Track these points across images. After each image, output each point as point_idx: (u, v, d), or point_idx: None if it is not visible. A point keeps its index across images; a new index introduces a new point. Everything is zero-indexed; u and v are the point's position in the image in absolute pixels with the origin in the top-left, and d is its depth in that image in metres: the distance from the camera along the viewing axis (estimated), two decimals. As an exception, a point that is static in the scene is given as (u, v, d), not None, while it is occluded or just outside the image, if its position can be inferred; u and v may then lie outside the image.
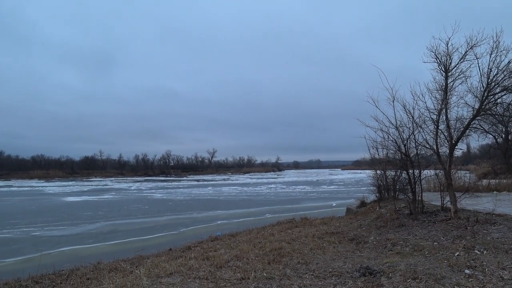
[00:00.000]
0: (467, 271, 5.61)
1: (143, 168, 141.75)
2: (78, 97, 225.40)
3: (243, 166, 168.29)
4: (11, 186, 73.43)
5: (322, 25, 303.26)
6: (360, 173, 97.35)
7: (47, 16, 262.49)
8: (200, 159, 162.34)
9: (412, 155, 11.32)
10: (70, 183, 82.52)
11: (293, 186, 56.72)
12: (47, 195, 48.77)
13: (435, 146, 10.26)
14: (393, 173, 15.26)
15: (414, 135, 10.92)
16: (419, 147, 11.13)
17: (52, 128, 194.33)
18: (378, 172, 16.58)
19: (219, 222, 21.47)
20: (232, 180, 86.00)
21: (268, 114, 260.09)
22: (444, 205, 10.97)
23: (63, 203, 36.19)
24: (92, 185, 70.93)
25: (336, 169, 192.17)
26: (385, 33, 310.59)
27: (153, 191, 52.48)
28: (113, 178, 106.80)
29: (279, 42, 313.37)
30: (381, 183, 16.60)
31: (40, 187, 66.91)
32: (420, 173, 11.39)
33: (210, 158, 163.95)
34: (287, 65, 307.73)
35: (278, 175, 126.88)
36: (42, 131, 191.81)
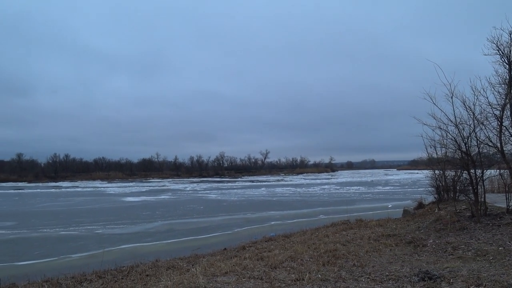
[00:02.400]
0: (536, 277, 5.27)
1: (197, 169, 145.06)
2: (130, 102, 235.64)
3: (296, 167, 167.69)
4: (77, 187, 78.10)
5: (364, 19, 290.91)
6: (417, 173, 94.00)
7: (93, 28, 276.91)
8: (253, 160, 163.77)
9: (473, 153, 10.76)
10: (130, 184, 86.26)
11: (347, 187, 55.79)
12: (109, 195, 51.15)
13: (498, 144, 9.71)
14: (452, 173, 14.62)
15: (475, 133, 10.36)
16: (481, 145, 10.55)
17: (110, 132, 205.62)
18: (437, 172, 15.95)
19: (272, 222, 21.55)
20: (286, 181, 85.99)
21: (316, 114, 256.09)
22: (510, 207, 10.37)
23: (123, 203, 37.82)
24: (150, 186, 73.58)
25: (391, 169, 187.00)
26: (433, 25, 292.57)
27: (208, 191, 53.51)
28: (170, 179, 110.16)
29: (320, 39, 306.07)
30: (440, 184, 15.94)
31: (102, 188, 70.37)
32: (482, 173, 10.80)
33: (263, 159, 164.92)
34: (329, 63, 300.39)
35: (331, 175, 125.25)
36: (101, 135, 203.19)
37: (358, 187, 54.88)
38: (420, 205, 16.64)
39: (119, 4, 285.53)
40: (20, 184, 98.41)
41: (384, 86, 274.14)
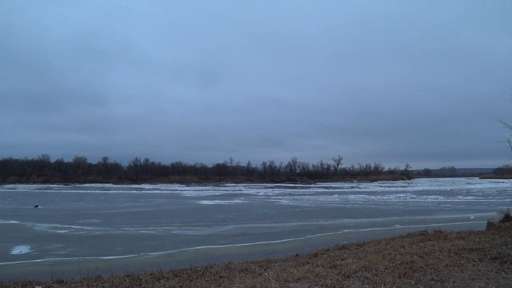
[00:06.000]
0: None
1: (270, 175, 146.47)
2: (196, 109, 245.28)
3: (370, 174, 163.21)
4: (157, 189, 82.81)
5: (421, 15, 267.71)
6: (503, 182, 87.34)
7: (153, 40, 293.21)
8: (325, 166, 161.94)
9: None
10: (207, 187, 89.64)
11: (424, 196, 53.19)
12: (185, 198, 53.26)
13: None
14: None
15: None
16: None
17: (182, 137, 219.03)
18: (527, 182, 14.73)
19: (345, 230, 21.15)
20: (360, 188, 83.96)
21: (384, 118, 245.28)
22: None
23: (198, 206, 39.21)
24: (225, 190, 75.59)
25: (473, 178, 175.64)
26: (507, 15, 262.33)
27: (280, 197, 53.72)
28: (245, 184, 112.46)
29: (378, 40, 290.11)
30: (531, 196, 14.70)
31: (179, 191, 73.52)
32: None
33: (336, 165, 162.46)
34: (390, 65, 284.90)
35: (407, 183, 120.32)
36: (174, 140, 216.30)
37: (437, 196, 52.08)
38: (507, 218, 15.43)
39: (175, 16, 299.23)
40: (106, 185, 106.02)
41: (453, 86, 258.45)
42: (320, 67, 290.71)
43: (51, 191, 74.80)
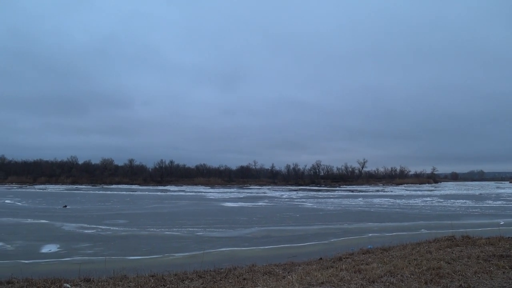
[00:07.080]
0: None
1: (294, 177, 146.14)
2: (217, 112, 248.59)
3: (395, 177, 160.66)
4: (183, 191, 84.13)
5: (443, 13, 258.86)
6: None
7: (172, 45, 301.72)
8: (350, 169, 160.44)
9: None
10: (231, 190, 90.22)
11: (452, 200, 51.98)
12: (209, 200, 53.63)
13: None
14: None
15: None
16: None
17: (204, 140, 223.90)
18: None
19: (370, 234, 20.86)
20: (385, 192, 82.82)
21: (408, 120, 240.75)
22: None
23: (222, 208, 39.45)
24: (249, 193, 75.79)
25: (503, 182, 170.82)
26: None
27: (304, 200, 53.46)
28: (269, 187, 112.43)
29: (399, 39, 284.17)
30: None
31: (204, 193, 74.20)
32: None
33: (361, 168, 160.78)
34: (412, 65, 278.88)
35: (434, 187, 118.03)
36: (197, 143, 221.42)
37: (464, 201, 50.81)
38: (540, 224, 14.97)
39: (195, 20, 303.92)
40: (132, 186, 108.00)
41: (478, 86, 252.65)
42: (340, 67, 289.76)
43: (79, 191, 76.52)
